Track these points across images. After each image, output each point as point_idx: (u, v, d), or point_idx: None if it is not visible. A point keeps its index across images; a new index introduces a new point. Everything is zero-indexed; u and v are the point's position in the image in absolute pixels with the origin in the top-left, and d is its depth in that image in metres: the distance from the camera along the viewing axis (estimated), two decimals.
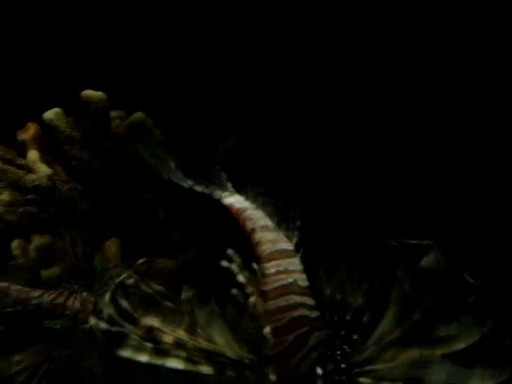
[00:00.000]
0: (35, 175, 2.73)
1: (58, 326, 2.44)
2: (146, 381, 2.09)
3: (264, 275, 1.72)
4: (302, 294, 1.66)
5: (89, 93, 2.80)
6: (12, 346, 2.47)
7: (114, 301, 1.63)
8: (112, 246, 2.76)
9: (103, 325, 1.57)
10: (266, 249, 1.80)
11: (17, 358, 2.38)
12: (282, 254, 1.77)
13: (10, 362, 2.39)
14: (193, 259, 2.77)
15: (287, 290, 1.67)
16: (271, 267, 1.73)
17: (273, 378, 1.60)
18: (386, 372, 1.51)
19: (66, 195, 2.87)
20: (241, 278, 1.76)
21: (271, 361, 1.64)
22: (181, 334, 1.63)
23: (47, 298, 2.48)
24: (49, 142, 2.91)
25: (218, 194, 2.23)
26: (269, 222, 1.93)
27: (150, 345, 1.57)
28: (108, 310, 1.57)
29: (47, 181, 2.70)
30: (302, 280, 1.72)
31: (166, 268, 2.68)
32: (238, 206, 2.09)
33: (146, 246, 2.91)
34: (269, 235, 1.84)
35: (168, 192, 2.95)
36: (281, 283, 1.68)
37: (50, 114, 2.87)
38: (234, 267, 1.77)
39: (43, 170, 2.73)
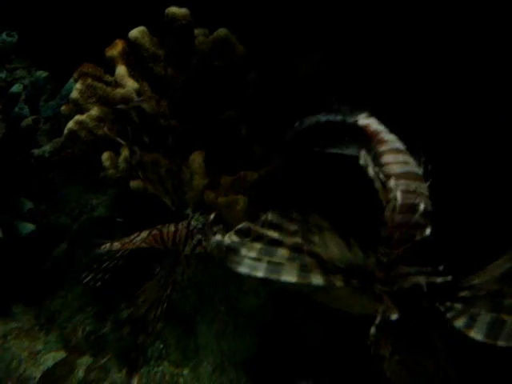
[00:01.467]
0: (123, 89, 2.79)
1: None
2: None
3: (393, 191, 1.76)
4: (426, 217, 1.69)
5: (173, 10, 2.83)
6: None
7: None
8: (197, 159, 2.83)
9: (226, 239, 1.65)
10: (397, 168, 1.82)
11: (141, 298, 2.49)
12: (413, 176, 1.80)
13: (137, 305, 2.53)
14: (276, 172, 2.80)
15: (413, 209, 1.70)
16: (401, 185, 1.76)
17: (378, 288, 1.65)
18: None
19: (152, 111, 2.93)
20: (371, 171, 1.84)
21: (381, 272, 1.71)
22: (297, 240, 1.70)
23: (144, 234, 2.58)
24: (135, 60, 2.96)
25: (351, 118, 2.24)
26: (401, 146, 1.96)
27: (264, 261, 1.63)
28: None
29: (135, 95, 2.76)
30: (428, 205, 1.75)
31: (249, 180, 2.72)
32: (374, 127, 2.11)
33: (229, 161, 2.97)
34: (401, 157, 1.86)
35: (251, 108, 2.99)
36: (409, 201, 1.71)
37: (135, 33, 2.93)
38: (366, 159, 1.83)
39: (131, 84, 2.80)
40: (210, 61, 2.83)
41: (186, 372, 3.37)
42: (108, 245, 2.63)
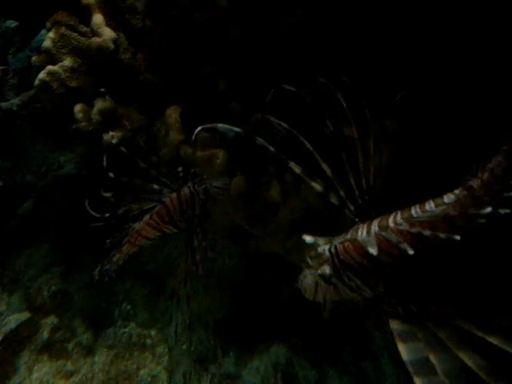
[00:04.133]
0: (100, 39, 2.71)
1: None
2: None
3: None
4: None
5: None
6: None
7: None
8: (173, 114, 2.77)
9: None
10: None
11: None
12: None
13: None
14: (254, 130, 2.76)
15: None
16: None
17: None
18: None
19: (128, 63, 2.86)
20: None
21: None
22: None
23: (146, 217, 2.53)
24: (112, 10, 2.88)
25: None
26: None
27: None
28: None
29: (112, 44, 2.68)
30: None
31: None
32: None
33: (207, 116, 2.91)
34: None
35: (230, 64, 2.93)
36: None
37: None
38: None
39: (108, 33, 2.73)
40: (191, 13, 2.74)
41: (153, 333, 3.32)
42: (117, 256, 2.55)
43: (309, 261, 1.84)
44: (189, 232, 2.40)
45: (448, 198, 1.63)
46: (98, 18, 2.71)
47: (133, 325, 3.37)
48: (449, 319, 1.62)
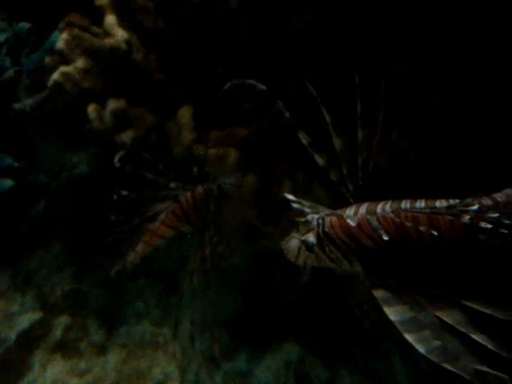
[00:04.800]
0: (113, 39, 2.74)
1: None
2: None
3: None
4: None
5: None
6: None
7: None
8: (185, 114, 2.80)
9: None
10: None
11: None
12: None
13: None
14: (267, 129, 2.78)
15: None
16: None
17: None
18: None
19: (140, 63, 2.88)
20: None
21: None
22: None
23: (162, 216, 2.54)
24: (124, 11, 2.90)
25: None
26: None
27: None
28: None
29: (125, 45, 2.71)
30: None
31: (239, 136, 2.70)
32: None
33: (217, 117, 2.94)
34: None
35: (241, 63, 2.95)
36: None
37: None
38: None
39: (121, 34, 2.75)
40: (201, 13, 2.77)
41: (165, 331, 3.34)
42: (131, 255, 2.57)
43: (298, 225, 1.95)
44: (202, 229, 2.42)
45: (440, 203, 1.73)
46: (110, 19, 2.74)
47: (145, 323, 3.39)
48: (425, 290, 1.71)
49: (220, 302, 3.19)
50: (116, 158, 2.42)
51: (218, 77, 2.91)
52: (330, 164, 2.03)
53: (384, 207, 1.81)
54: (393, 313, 1.68)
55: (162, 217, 2.48)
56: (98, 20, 2.98)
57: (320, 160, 2.02)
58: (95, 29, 2.93)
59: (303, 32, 2.72)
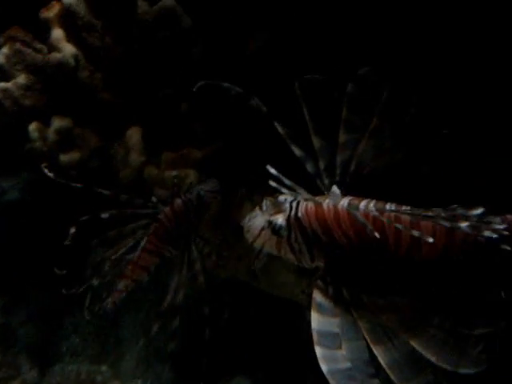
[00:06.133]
0: (60, 54, 2.60)
1: None
2: None
3: None
4: None
5: None
6: None
7: None
8: (134, 135, 2.68)
9: None
10: None
11: None
12: None
13: None
14: (220, 150, 2.70)
15: None
16: None
17: None
18: None
19: (86, 81, 2.75)
20: None
21: None
22: None
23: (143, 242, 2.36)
24: (70, 27, 2.78)
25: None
26: None
27: None
28: None
29: (73, 60, 2.57)
30: None
31: (193, 157, 2.60)
32: None
33: (168, 139, 2.83)
34: None
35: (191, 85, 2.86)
36: None
37: None
38: None
39: (69, 49, 2.62)
40: (153, 32, 2.67)
41: (104, 368, 3.12)
42: (113, 295, 2.35)
43: (265, 203, 1.80)
44: (186, 243, 2.27)
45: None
46: (57, 33, 2.60)
47: (82, 360, 3.15)
48: (377, 314, 1.62)
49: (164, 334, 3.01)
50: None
51: (170, 97, 2.81)
52: (306, 156, 1.90)
53: (368, 205, 1.69)
54: (317, 321, 1.59)
55: (142, 243, 2.28)
56: (40, 35, 2.81)
57: (297, 151, 1.88)
58: (38, 44, 2.77)
59: (259, 52, 2.65)
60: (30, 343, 3.19)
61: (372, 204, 1.69)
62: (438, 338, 1.54)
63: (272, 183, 1.56)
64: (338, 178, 1.89)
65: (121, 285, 2.32)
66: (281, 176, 1.62)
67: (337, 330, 1.58)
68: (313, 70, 2.05)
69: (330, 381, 1.46)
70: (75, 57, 2.59)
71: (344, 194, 1.79)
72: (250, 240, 1.85)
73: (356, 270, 1.74)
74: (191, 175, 2.43)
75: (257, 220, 1.82)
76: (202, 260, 2.24)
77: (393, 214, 1.63)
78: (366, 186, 1.82)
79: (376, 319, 1.61)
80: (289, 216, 1.77)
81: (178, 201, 2.29)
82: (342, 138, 1.89)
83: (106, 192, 2.17)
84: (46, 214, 3.17)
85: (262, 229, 1.80)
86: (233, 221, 2.47)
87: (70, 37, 2.75)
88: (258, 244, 1.85)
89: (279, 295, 2.67)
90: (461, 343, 1.53)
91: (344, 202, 1.72)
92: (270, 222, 1.78)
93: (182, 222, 2.26)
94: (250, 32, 2.69)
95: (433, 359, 1.48)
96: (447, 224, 1.45)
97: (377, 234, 1.49)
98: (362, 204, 1.70)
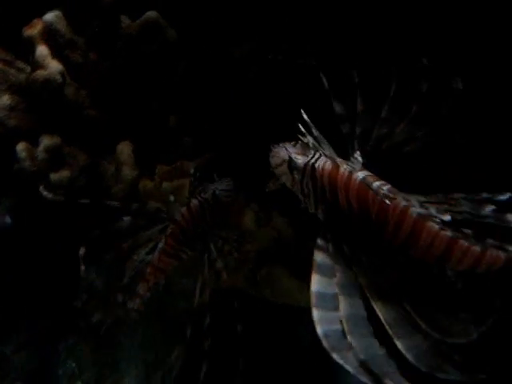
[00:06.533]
0: (46, 71, 2.56)
1: None
2: None
3: None
4: None
5: None
6: None
7: None
8: (125, 149, 2.65)
9: None
10: None
11: None
12: None
13: None
14: (211, 162, 2.69)
15: None
16: None
17: None
18: None
19: (71, 99, 2.72)
20: None
21: None
22: None
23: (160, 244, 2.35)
24: (52, 45, 2.75)
25: None
26: None
27: None
28: None
29: (60, 76, 2.54)
30: None
31: (187, 169, 2.59)
32: None
33: (159, 151, 2.81)
34: None
35: (180, 98, 2.86)
36: None
37: (50, 17, 2.71)
38: None
39: (55, 65, 2.58)
40: (138, 46, 2.66)
41: None
42: (134, 301, 2.33)
43: (299, 142, 1.87)
44: (204, 243, 2.24)
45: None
46: (42, 50, 2.57)
47: None
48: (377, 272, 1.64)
49: (165, 352, 2.96)
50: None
51: (158, 111, 2.80)
52: (345, 116, 1.97)
53: (381, 184, 1.72)
54: (318, 283, 1.59)
55: (160, 245, 2.25)
56: (21, 55, 2.77)
57: (338, 107, 1.97)
58: (20, 63, 2.72)
59: (246, 63, 2.66)
60: (26, 370, 3.09)
61: (385, 186, 1.72)
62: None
63: (301, 127, 1.67)
64: (368, 149, 1.94)
65: (141, 289, 2.27)
66: (311, 124, 1.71)
67: (335, 290, 1.58)
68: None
69: (324, 343, 1.45)
70: (62, 73, 2.52)
71: (364, 165, 1.80)
72: (272, 165, 1.93)
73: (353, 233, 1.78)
74: (187, 185, 2.40)
75: (283, 151, 1.88)
76: (223, 258, 2.20)
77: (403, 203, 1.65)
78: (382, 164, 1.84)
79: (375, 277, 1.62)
80: (308, 162, 1.83)
81: (194, 201, 2.26)
82: (384, 114, 1.96)
83: (114, 203, 2.12)
84: (33, 239, 3.09)
85: (284, 161, 1.87)
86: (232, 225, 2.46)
87: (54, 55, 2.69)
88: (277, 172, 1.93)
89: (285, 303, 2.65)
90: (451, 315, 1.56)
91: (360, 174, 1.75)
92: (290, 158, 1.83)
93: (199, 223, 2.23)
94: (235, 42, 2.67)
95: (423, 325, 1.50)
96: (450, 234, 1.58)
97: (387, 201, 1.58)
98: (376, 183, 1.72)
